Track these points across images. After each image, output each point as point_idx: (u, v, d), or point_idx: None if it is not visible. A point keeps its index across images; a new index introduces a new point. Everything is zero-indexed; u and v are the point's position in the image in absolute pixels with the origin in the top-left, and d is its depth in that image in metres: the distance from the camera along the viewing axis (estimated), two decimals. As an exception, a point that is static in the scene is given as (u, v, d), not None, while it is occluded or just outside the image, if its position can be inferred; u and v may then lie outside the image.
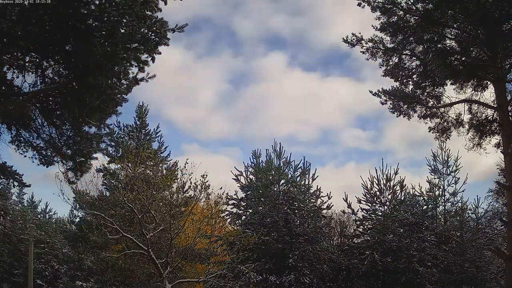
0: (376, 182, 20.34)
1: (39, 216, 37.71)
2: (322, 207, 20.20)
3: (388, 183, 20.27)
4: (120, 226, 15.81)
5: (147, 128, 24.05)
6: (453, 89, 17.57)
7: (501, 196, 22.40)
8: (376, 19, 16.62)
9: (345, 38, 17.27)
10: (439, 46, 15.63)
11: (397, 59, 17.59)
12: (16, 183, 12.33)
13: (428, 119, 18.16)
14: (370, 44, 17.25)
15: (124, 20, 7.24)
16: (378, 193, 20.29)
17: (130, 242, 16.42)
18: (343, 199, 20.61)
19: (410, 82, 17.85)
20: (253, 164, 20.73)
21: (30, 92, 8.71)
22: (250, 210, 20.11)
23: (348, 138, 76.52)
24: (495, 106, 16.02)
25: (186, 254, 17.31)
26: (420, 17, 15.54)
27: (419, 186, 21.35)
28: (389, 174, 20.30)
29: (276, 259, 18.42)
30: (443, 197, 20.94)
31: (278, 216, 18.85)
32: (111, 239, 17.03)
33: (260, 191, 19.64)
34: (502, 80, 15.39)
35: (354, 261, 19.40)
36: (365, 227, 20.98)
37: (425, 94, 17.77)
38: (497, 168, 21.18)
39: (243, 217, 20.35)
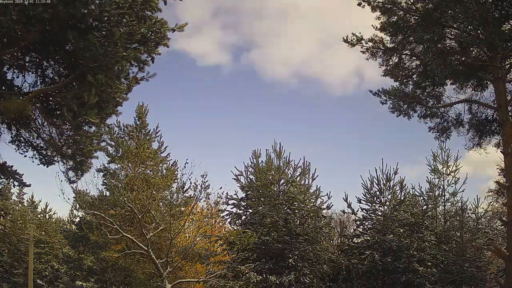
0: (376, 182, 20.33)
1: (39, 216, 37.67)
2: (322, 207, 20.20)
3: (388, 183, 20.25)
4: (120, 226, 15.82)
5: (147, 128, 24.07)
6: (453, 89, 17.62)
7: (501, 196, 22.38)
8: (376, 19, 16.67)
9: (345, 38, 17.30)
10: (439, 46, 15.63)
11: (397, 59, 17.62)
12: (16, 183, 12.36)
13: (428, 119, 18.18)
14: (370, 44, 17.28)
15: (124, 20, 7.25)
16: (378, 193, 20.27)
17: (130, 242, 16.43)
18: (343, 199, 20.62)
19: (410, 82, 17.88)
20: (253, 164, 20.72)
21: (30, 92, 8.72)
22: (250, 210, 20.10)
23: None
24: (495, 106, 16.02)
25: (186, 254, 17.32)
26: (420, 17, 15.55)
27: (419, 186, 21.37)
28: (389, 174, 20.30)
29: (276, 259, 18.42)
30: (443, 197, 20.94)
31: (278, 216, 18.86)
32: (111, 239, 17.05)
33: (260, 191, 19.63)
34: (502, 80, 15.38)
35: (354, 261, 19.39)
36: (365, 227, 20.96)
37: (425, 94, 17.78)
38: (497, 168, 21.18)
39: (243, 217, 20.34)
